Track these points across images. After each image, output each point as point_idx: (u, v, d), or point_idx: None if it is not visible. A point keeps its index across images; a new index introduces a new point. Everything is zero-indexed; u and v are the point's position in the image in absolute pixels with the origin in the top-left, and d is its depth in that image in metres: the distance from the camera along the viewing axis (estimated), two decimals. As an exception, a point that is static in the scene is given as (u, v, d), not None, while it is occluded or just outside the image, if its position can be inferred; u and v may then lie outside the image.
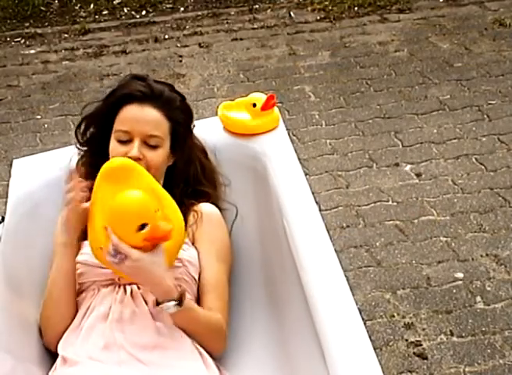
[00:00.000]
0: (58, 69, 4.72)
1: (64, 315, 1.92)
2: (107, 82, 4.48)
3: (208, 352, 1.87)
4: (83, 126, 2.08)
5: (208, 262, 1.98)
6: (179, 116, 2.03)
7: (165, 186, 1.99)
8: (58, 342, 1.89)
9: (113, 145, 1.99)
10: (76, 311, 1.93)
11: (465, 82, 4.20)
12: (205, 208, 2.07)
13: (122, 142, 1.97)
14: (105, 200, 1.80)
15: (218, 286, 1.97)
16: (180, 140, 2.05)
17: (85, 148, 2.10)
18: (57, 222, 2.03)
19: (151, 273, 1.76)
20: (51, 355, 1.93)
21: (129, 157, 1.93)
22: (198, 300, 1.97)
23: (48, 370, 1.85)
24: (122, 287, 1.89)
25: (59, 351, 1.85)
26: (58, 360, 1.83)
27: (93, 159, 2.07)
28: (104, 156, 2.00)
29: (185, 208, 2.00)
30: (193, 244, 2.00)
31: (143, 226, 1.71)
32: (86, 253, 1.95)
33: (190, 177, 2.10)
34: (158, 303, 1.80)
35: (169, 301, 1.77)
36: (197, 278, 1.97)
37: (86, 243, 1.98)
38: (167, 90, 2.03)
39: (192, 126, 2.10)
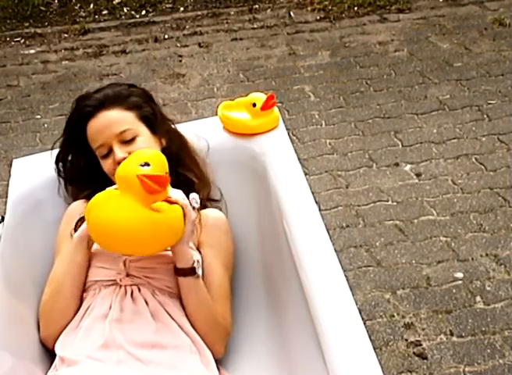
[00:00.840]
0: (57, 69, 4.72)
1: (70, 308, 1.92)
2: (107, 82, 4.47)
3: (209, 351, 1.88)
4: (61, 159, 2.15)
5: (214, 268, 1.99)
6: (136, 100, 2.07)
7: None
8: (56, 339, 1.88)
9: (102, 163, 2.04)
10: (78, 309, 1.93)
11: (465, 82, 4.20)
12: (212, 213, 2.08)
13: (106, 156, 2.02)
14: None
15: (222, 293, 1.98)
16: (154, 119, 2.08)
17: (68, 175, 2.16)
18: (63, 217, 2.08)
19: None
20: (50, 354, 1.93)
21: (118, 162, 1.94)
22: None
23: (47, 370, 1.85)
24: (123, 288, 1.89)
25: (57, 351, 1.85)
26: (57, 360, 1.83)
27: (80, 180, 2.14)
28: (88, 173, 2.09)
29: None
30: (197, 248, 2.01)
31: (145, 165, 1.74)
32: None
33: (174, 158, 2.08)
34: (179, 270, 1.86)
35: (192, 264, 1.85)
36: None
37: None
38: (108, 90, 2.08)
39: (154, 101, 2.15)
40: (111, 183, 1.96)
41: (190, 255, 1.87)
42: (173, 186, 1.87)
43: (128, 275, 1.90)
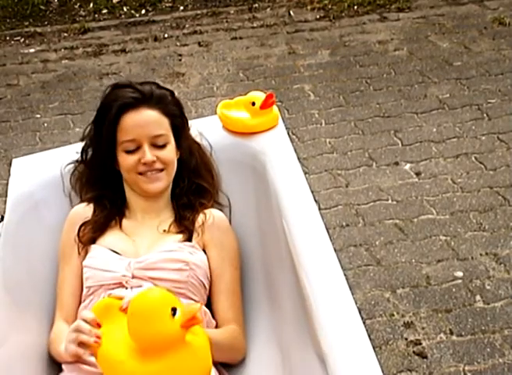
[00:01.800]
0: (57, 68, 4.72)
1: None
2: (106, 81, 4.47)
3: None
4: (85, 150, 2.10)
5: (222, 269, 2.00)
6: (174, 109, 2.04)
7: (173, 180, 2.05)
8: None
9: (122, 158, 1.99)
10: (82, 309, 1.93)
11: (465, 81, 4.20)
12: (216, 213, 2.08)
13: (130, 152, 1.98)
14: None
15: (232, 294, 1.99)
16: (180, 132, 2.06)
17: (84, 166, 2.12)
18: (65, 222, 2.07)
19: None
20: (50, 356, 1.93)
21: (144, 163, 1.94)
22: (208, 305, 1.99)
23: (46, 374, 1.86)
24: (129, 289, 1.88)
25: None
26: (63, 366, 1.83)
27: (90, 175, 2.10)
28: (100, 170, 2.06)
29: (195, 211, 2.04)
30: (202, 249, 2.01)
31: (174, 312, 1.56)
32: (93, 257, 1.96)
33: (191, 169, 2.11)
34: None
35: None
36: (205, 282, 1.98)
37: (93, 246, 1.98)
38: (155, 88, 2.04)
39: (185, 116, 2.12)
40: (117, 188, 2.02)
41: None
42: (185, 193, 1.93)
43: (133, 277, 1.90)
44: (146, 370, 1.55)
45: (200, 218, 2.03)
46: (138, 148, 1.97)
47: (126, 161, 1.98)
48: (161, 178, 2.00)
